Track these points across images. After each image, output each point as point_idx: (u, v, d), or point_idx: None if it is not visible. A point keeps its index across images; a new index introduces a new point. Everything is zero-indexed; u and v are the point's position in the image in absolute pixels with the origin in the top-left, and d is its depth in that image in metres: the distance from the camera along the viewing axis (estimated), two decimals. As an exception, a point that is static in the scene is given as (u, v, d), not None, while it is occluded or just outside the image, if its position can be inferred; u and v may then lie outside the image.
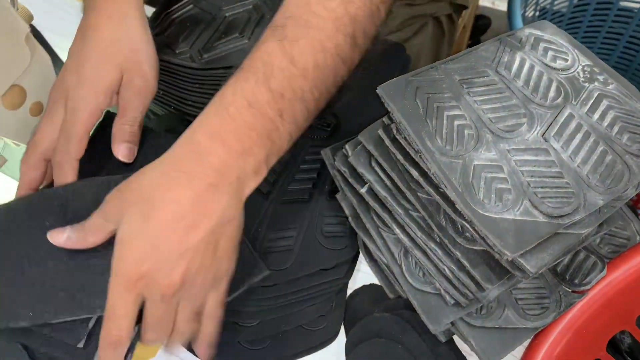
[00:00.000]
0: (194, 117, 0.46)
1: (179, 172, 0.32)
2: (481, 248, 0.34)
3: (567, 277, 0.38)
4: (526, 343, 0.39)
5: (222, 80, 0.45)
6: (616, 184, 0.34)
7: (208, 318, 0.35)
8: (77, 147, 0.38)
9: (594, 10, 0.89)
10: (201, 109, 0.45)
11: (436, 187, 0.34)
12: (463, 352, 0.40)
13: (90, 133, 0.39)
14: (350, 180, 0.40)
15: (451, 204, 0.33)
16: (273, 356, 0.40)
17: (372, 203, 0.38)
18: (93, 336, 0.34)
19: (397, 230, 0.38)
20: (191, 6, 0.52)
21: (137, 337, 0.34)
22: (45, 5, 0.59)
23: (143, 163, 0.33)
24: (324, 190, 0.45)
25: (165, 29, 0.50)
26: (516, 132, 0.35)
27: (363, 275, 0.44)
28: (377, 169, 0.38)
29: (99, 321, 0.34)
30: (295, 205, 0.44)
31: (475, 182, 0.33)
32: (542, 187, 0.33)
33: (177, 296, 0.32)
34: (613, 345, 0.52)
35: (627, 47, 0.92)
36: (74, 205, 0.36)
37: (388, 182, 0.37)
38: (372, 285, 0.43)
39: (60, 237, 0.34)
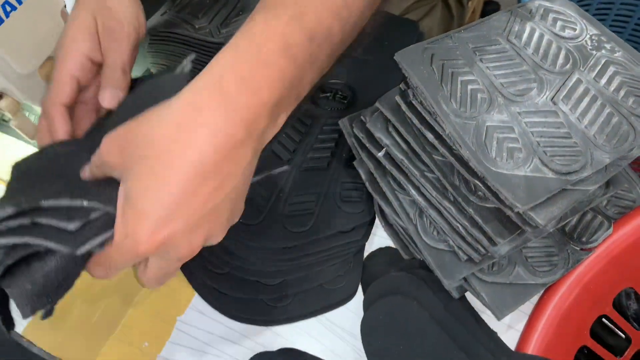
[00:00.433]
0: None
1: (201, 125, 0.27)
2: (493, 205, 0.36)
3: (575, 236, 0.40)
4: (534, 300, 0.41)
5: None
6: (622, 143, 0.35)
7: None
8: (58, 90, 0.36)
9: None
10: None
11: (450, 149, 0.36)
12: (475, 310, 0.42)
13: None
14: (367, 145, 0.42)
15: (465, 164, 0.35)
16: (294, 313, 0.43)
17: (388, 166, 0.41)
18: (86, 226, 0.29)
19: (413, 192, 0.40)
20: (211, -16, 0.54)
21: None
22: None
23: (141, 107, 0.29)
24: (342, 159, 0.47)
25: (185, 6, 0.52)
26: (526, 96, 0.37)
27: (379, 239, 0.47)
28: (394, 133, 0.40)
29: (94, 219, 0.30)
30: (315, 172, 0.46)
31: (487, 141, 0.35)
32: (551, 147, 0.35)
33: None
34: (620, 312, 0.54)
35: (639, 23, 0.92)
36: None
37: (404, 146, 0.39)
38: (388, 248, 0.46)
39: None
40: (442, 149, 0.37)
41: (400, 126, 0.39)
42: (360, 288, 0.44)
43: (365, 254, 0.46)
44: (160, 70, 0.53)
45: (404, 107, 0.38)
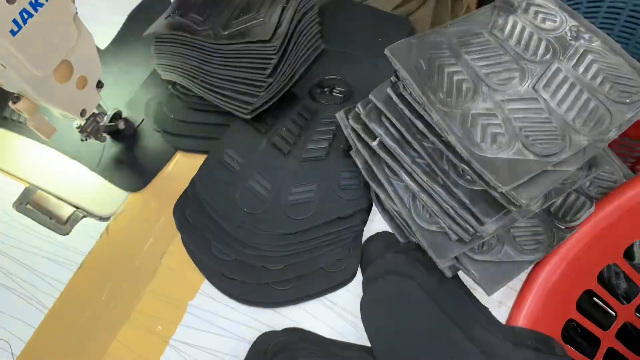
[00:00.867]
0: (218, 87, 0.51)
1: None
2: (480, 188, 0.38)
3: (559, 216, 0.43)
4: (523, 277, 0.43)
5: (240, 53, 0.50)
6: (599, 127, 0.38)
7: None
8: None
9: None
10: (226, 80, 0.51)
11: (439, 136, 0.39)
12: (468, 287, 0.45)
13: None
14: (362, 135, 0.44)
15: (453, 149, 0.38)
16: (298, 295, 0.45)
17: (382, 154, 0.43)
18: None
19: (405, 177, 0.42)
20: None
21: None
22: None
23: None
24: (340, 149, 0.49)
25: (189, 9, 0.55)
26: (509, 85, 0.39)
27: (377, 224, 0.49)
28: (387, 123, 0.42)
29: None
30: (314, 163, 0.49)
31: (472, 128, 0.37)
32: (532, 131, 0.37)
33: None
34: (611, 292, 0.56)
35: (628, 20, 0.94)
36: None
37: (396, 134, 0.42)
38: (385, 233, 0.48)
39: None
40: (431, 137, 0.39)
41: (392, 116, 0.41)
42: (359, 271, 0.47)
43: (364, 238, 0.48)
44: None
45: (395, 98, 0.41)
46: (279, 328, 0.45)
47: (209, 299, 0.47)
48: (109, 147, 0.55)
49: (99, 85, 0.49)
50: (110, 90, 0.59)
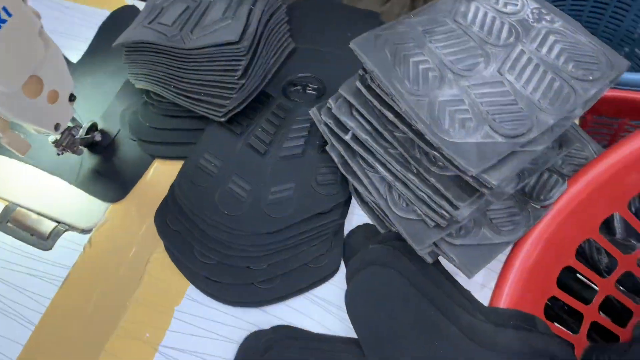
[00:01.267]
0: (191, 92, 0.51)
1: None
2: (452, 173, 0.39)
3: (534, 195, 0.44)
4: (503, 258, 0.44)
5: (210, 57, 0.50)
6: (564, 105, 0.39)
7: None
8: None
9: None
10: (198, 84, 0.51)
11: (409, 126, 0.40)
12: (450, 272, 0.45)
13: None
14: (335, 130, 0.45)
15: (423, 138, 0.38)
16: (283, 292, 0.46)
17: (356, 147, 0.44)
18: None
19: (380, 168, 0.43)
20: (179, -5, 0.57)
21: None
22: (40, 6, 0.64)
23: None
24: (315, 145, 0.50)
25: (156, 17, 0.55)
26: (474, 70, 0.40)
27: (357, 217, 0.50)
28: (357, 116, 0.43)
29: None
30: (291, 161, 0.49)
31: (440, 115, 0.38)
32: (499, 114, 0.38)
33: None
34: (594, 268, 0.57)
35: (613, 16, 0.96)
36: None
37: (368, 126, 0.42)
38: (365, 225, 0.49)
39: None
40: (402, 126, 0.40)
41: (363, 109, 0.42)
42: (342, 264, 0.47)
43: (345, 232, 0.49)
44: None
45: (363, 90, 0.41)
46: (266, 326, 0.45)
47: (195, 303, 0.47)
48: (86, 160, 0.55)
49: (72, 98, 0.49)
50: (84, 102, 0.59)
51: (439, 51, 0.41)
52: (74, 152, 0.52)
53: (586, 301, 0.49)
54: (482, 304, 0.43)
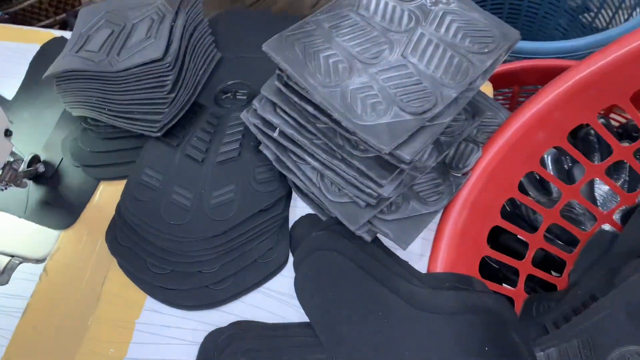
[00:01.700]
0: (125, 112, 0.53)
1: None
2: (373, 154, 0.42)
3: (453, 165, 0.47)
4: (433, 227, 0.47)
5: (137, 76, 0.52)
6: (464, 78, 0.42)
7: None
8: None
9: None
10: (130, 104, 0.53)
11: (329, 116, 0.42)
12: (389, 247, 0.48)
13: None
14: (264, 129, 0.47)
15: (341, 125, 0.41)
16: (236, 290, 0.48)
17: (284, 143, 0.46)
18: None
19: (309, 159, 0.45)
20: (104, 21, 0.58)
21: None
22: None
23: None
24: (250, 147, 0.52)
25: (83, 45, 0.56)
26: (380, 57, 0.43)
27: (300, 209, 0.52)
28: (281, 113, 0.45)
29: None
30: (229, 164, 0.51)
31: (353, 102, 0.41)
32: (406, 94, 0.41)
33: None
34: (531, 227, 0.61)
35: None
36: None
37: (292, 122, 0.45)
38: (307, 215, 0.51)
39: None
40: (322, 117, 0.43)
41: (285, 106, 0.45)
42: (290, 255, 0.50)
43: (290, 225, 0.51)
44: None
45: (283, 89, 0.44)
46: (225, 325, 0.47)
47: (154, 313, 0.49)
48: (33, 192, 0.56)
49: (7, 133, 0.50)
50: (24, 136, 0.60)
51: (346, 44, 0.44)
52: (18, 185, 0.53)
53: (523, 255, 0.53)
54: (419, 272, 0.46)
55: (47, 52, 0.67)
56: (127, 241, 0.50)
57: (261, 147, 0.50)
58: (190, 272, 0.48)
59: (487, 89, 0.57)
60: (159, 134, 0.52)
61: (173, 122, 0.53)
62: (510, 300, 0.50)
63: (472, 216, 0.46)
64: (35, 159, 0.56)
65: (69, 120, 0.60)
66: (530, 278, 0.54)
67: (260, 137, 0.49)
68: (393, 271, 0.45)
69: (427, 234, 0.48)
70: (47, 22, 1.19)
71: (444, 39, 0.44)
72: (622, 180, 0.64)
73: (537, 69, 0.73)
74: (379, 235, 0.48)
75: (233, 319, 0.47)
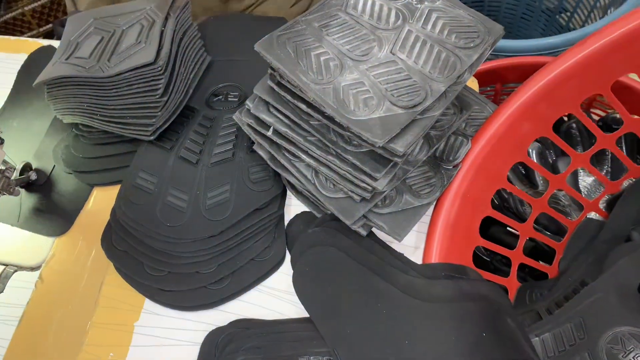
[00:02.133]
0: (118, 117, 0.53)
1: None
2: (366, 149, 0.43)
3: (444, 158, 0.48)
4: (426, 220, 0.48)
5: (129, 81, 0.52)
6: (452, 72, 0.43)
7: None
8: None
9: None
10: (123, 109, 0.53)
11: (322, 113, 0.43)
12: (384, 241, 0.49)
13: None
14: (257, 128, 0.48)
15: (334, 121, 0.42)
16: (235, 289, 0.48)
17: (279, 141, 0.47)
18: None
19: (304, 156, 0.46)
20: (92, 28, 0.59)
21: None
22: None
23: None
24: (244, 147, 0.53)
25: (72, 52, 0.57)
26: (370, 54, 0.44)
27: (295, 207, 0.53)
28: (274, 111, 0.46)
29: None
30: (223, 165, 0.52)
31: (345, 98, 0.41)
32: (396, 89, 0.42)
33: None
34: (521, 219, 0.62)
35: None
36: None
37: (285, 120, 0.46)
38: (303, 213, 0.52)
39: None
40: (315, 114, 0.44)
41: (278, 104, 0.45)
42: (287, 253, 0.50)
43: (286, 223, 0.52)
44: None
45: (275, 87, 0.45)
46: (224, 324, 0.47)
47: (153, 316, 0.49)
48: (25, 200, 0.56)
49: (-1, 141, 0.50)
50: (15, 145, 0.60)
51: (336, 42, 0.45)
52: (10, 193, 0.53)
53: (513, 247, 0.54)
54: (415, 263, 0.47)
55: (35, 61, 0.67)
56: (123, 245, 0.50)
57: (255, 147, 0.51)
58: (187, 273, 0.49)
59: (473, 84, 0.59)
60: (152, 138, 0.53)
61: (166, 126, 0.54)
62: (504, 289, 0.51)
63: (464, 207, 0.47)
64: (27, 167, 0.56)
65: (60, 128, 0.60)
66: (521, 268, 0.55)
67: (253, 136, 0.50)
68: (390, 263, 0.46)
69: (421, 226, 0.49)
70: (30, 34, 1.19)
71: (430, 35, 0.45)
72: (605, 171, 0.66)
73: (519, 67, 0.75)
74: (374, 230, 0.49)
75: (232, 317, 0.48)
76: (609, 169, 0.66)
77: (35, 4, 1.17)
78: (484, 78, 0.76)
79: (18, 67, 0.68)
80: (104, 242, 0.51)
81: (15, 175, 0.54)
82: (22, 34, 1.19)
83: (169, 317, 0.48)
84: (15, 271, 0.53)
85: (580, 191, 0.64)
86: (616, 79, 0.46)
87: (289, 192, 0.53)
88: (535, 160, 0.62)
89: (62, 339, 0.48)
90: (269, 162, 0.50)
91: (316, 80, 0.42)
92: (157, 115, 0.52)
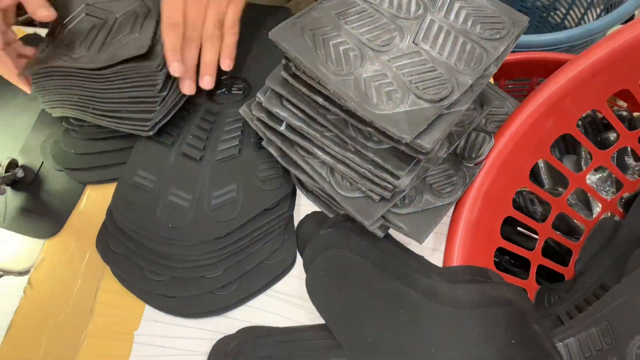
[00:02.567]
0: (112, 111, 0.50)
1: None
2: (388, 146, 0.40)
3: (465, 155, 0.46)
4: (445, 220, 0.46)
5: (124, 75, 0.48)
6: (478, 64, 0.41)
7: (229, 30, 0.51)
8: None
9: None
10: (116, 102, 0.49)
11: (340, 107, 0.40)
12: (401, 242, 0.47)
13: None
14: (269, 123, 0.45)
15: (355, 115, 0.39)
16: (243, 294, 0.45)
17: (292, 136, 0.44)
18: None
19: (319, 153, 0.43)
20: (83, 15, 0.55)
21: None
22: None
23: None
24: (251, 143, 0.50)
25: (62, 40, 0.53)
26: (391, 45, 0.42)
27: (305, 207, 0.50)
28: (288, 105, 0.43)
29: None
30: (230, 162, 0.49)
31: (367, 91, 0.39)
32: (421, 81, 0.39)
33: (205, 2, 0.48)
34: (531, 216, 0.61)
35: None
36: None
37: (300, 114, 0.43)
38: (314, 213, 0.49)
39: None
40: (333, 109, 0.41)
41: (292, 97, 0.42)
42: (298, 255, 0.47)
43: (296, 223, 0.49)
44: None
45: (290, 79, 0.42)
46: (232, 332, 0.44)
47: (155, 323, 0.45)
48: (11, 199, 0.52)
49: (-18, 136, 0.46)
50: (-2, 140, 0.55)
51: (355, 31, 0.42)
52: (-5, 192, 0.49)
53: (529, 250, 0.52)
54: (436, 266, 0.45)
55: (19, 50, 0.63)
56: (121, 248, 0.47)
57: (264, 143, 0.48)
58: (192, 277, 0.45)
59: (487, 79, 0.56)
60: (150, 133, 0.49)
61: (165, 120, 0.50)
62: (524, 291, 0.49)
63: (486, 207, 0.45)
64: (12, 164, 0.52)
65: (48, 121, 0.56)
66: (536, 270, 0.53)
67: (263, 132, 0.47)
68: (409, 266, 0.43)
69: (441, 227, 0.47)
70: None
71: (454, 26, 0.43)
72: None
73: (524, 62, 0.73)
74: (390, 231, 0.47)
75: (241, 325, 0.45)
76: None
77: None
78: (513, 71, 0.74)
79: (0, 57, 0.63)
80: (99, 245, 0.47)
81: (0, 172, 0.50)
82: None
83: (171, 325, 0.45)
84: (1, 276, 0.49)
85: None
86: (643, 74, 0.45)
87: (298, 191, 0.50)
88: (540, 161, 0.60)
89: (55, 351, 0.44)
90: (278, 158, 0.47)
91: (336, 71, 0.39)
92: (156, 110, 0.48)
